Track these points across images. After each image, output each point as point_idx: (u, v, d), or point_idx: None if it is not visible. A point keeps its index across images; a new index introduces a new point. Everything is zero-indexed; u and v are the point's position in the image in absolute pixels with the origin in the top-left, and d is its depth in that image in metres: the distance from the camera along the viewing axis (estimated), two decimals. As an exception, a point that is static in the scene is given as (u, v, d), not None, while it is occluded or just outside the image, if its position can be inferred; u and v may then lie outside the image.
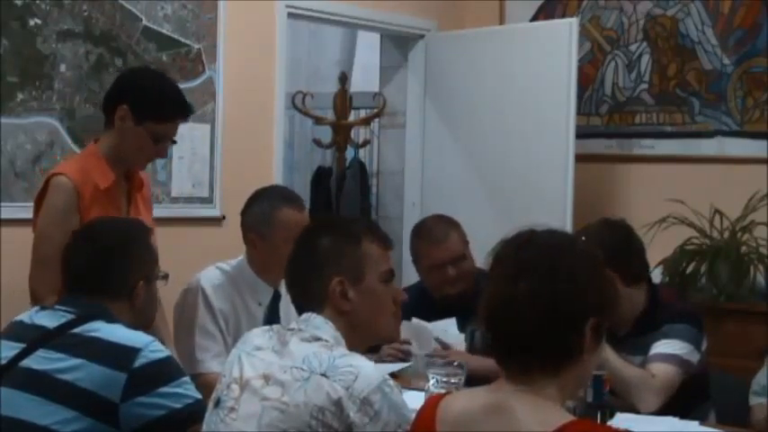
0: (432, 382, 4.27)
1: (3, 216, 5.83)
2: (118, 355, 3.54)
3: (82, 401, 3.51)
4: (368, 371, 3.15)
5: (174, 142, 5.10)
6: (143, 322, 3.88)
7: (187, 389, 3.62)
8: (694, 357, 4.89)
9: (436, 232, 5.67)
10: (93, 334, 3.58)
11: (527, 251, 2.86)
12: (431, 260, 5.65)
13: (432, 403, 2.97)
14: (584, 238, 4.48)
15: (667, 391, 4.74)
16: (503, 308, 2.82)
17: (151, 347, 3.59)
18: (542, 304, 2.74)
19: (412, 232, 5.87)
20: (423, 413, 2.98)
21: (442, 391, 3.93)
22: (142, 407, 3.54)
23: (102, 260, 3.86)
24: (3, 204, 5.86)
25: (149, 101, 4.90)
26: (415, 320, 5.45)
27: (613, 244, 4.78)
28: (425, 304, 5.53)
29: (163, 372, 3.60)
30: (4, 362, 3.66)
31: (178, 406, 3.57)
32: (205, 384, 3.96)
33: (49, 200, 4.79)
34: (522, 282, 2.78)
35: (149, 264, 3.96)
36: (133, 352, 3.55)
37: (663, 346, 4.86)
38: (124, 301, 3.83)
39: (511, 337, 2.82)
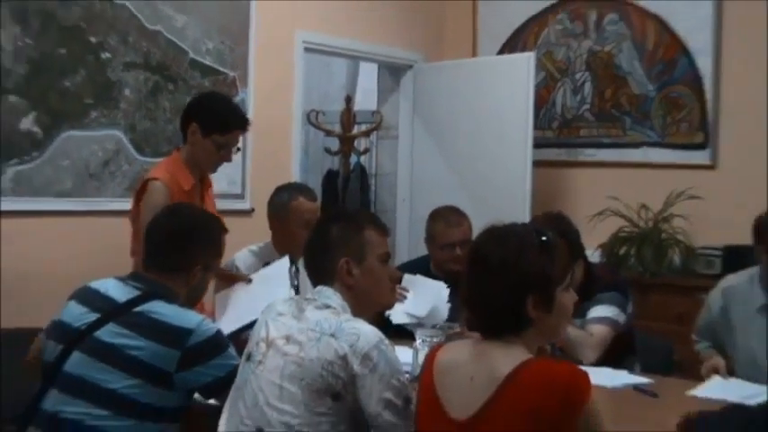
0: (419, 341, 4.31)
1: (81, 209, 5.83)
2: (173, 336, 3.55)
3: (143, 371, 3.52)
4: (368, 332, 3.18)
5: (238, 149, 5.15)
6: (191, 302, 3.87)
7: (229, 357, 3.63)
8: (621, 318, 4.99)
9: (453, 218, 5.70)
10: (153, 315, 3.58)
11: (477, 251, 3.02)
12: (445, 239, 5.65)
13: (433, 351, 3.09)
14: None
15: (602, 346, 4.84)
16: (467, 298, 3.00)
17: (202, 327, 3.60)
18: (485, 295, 2.92)
19: (430, 216, 5.84)
20: (428, 358, 3.10)
21: (427, 348, 3.97)
22: (193, 375, 3.57)
23: (175, 239, 3.87)
24: (80, 199, 5.85)
25: (212, 118, 4.97)
26: (414, 276, 5.50)
27: (556, 224, 4.87)
28: (424, 274, 5.57)
29: (210, 347, 3.61)
30: (80, 326, 3.66)
31: (221, 374, 3.59)
32: (236, 340, 3.96)
33: (148, 199, 4.83)
34: (473, 278, 2.97)
35: (212, 255, 3.96)
36: (186, 333, 3.56)
37: (597, 311, 4.95)
38: (182, 279, 3.83)
39: (481, 313, 2.96)
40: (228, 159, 5.13)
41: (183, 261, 3.83)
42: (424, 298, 5.33)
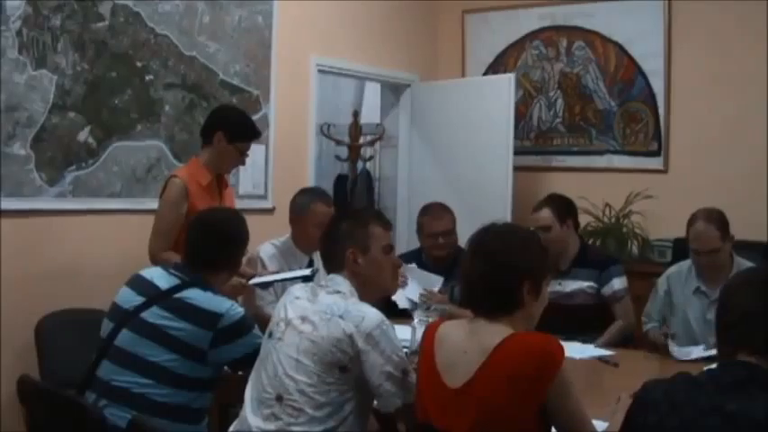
0: (416, 320, 4.34)
1: (129, 207, 5.86)
2: (206, 318, 3.61)
3: (181, 348, 3.58)
4: (371, 314, 3.22)
5: (247, 155, 5.20)
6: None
7: (254, 337, 3.69)
8: (626, 284, 5.47)
9: (436, 212, 5.81)
10: (189, 301, 3.63)
11: (480, 240, 3.05)
12: (429, 230, 5.82)
13: (432, 327, 3.12)
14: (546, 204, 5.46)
15: (633, 315, 5.42)
16: (467, 279, 3.03)
17: (231, 312, 3.66)
18: (487, 275, 2.94)
19: (420, 210, 6.03)
20: (427, 333, 3.12)
21: (423, 327, 3.99)
22: (223, 352, 3.63)
23: (216, 243, 3.90)
24: (128, 200, 5.88)
25: (237, 128, 5.07)
26: (413, 266, 5.56)
27: (560, 198, 5.66)
28: (418, 263, 5.72)
29: (238, 329, 3.66)
30: (129, 308, 3.70)
31: (248, 350, 3.64)
32: (261, 320, 3.98)
33: (167, 193, 4.94)
34: (475, 262, 2.99)
35: (244, 249, 4.10)
36: (217, 317, 3.61)
37: (618, 282, 5.43)
38: (226, 272, 3.88)
39: (474, 296, 2.99)
40: (243, 163, 5.25)
41: (229, 261, 3.92)
42: (421, 287, 5.40)
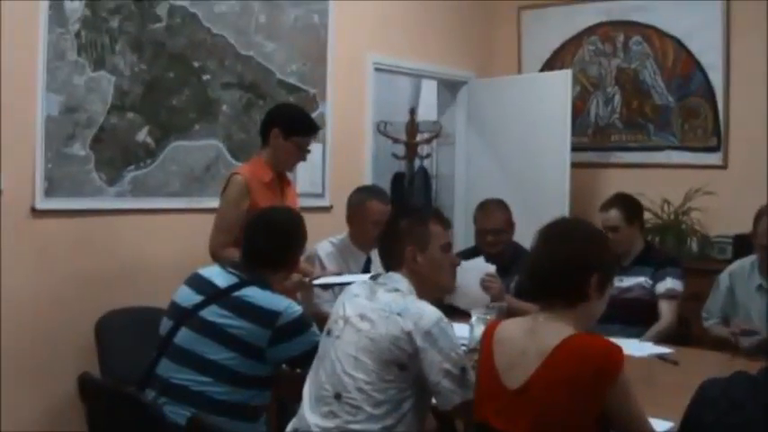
0: (474, 318, 4.32)
1: (187, 206, 5.93)
2: (265, 317, 3.63)
3: (240, 346, 3.60)
4: (430, 312, 3.21)
5: (309, 151, 5.21)
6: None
7: (312, 335, 3.70)
8: (682, 289, 5.38)
9: (488, 208, 5.79)
10: (248, 299, 3.65)
11: (554, 229, 3.06)
12: (479, 225, 5.81)
13: (491, 327, 3.11)
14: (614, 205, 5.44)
15: (675, 320, 5.33)
16: (537, 264, 3.02)
17: (289, 310, 3.67)
18: (559, 262, 2.93)
19: (477, 205, 5.96)
20: (486, 333, 3.11)
21: (482, 324, 4.00)
22: (282, 350, 3.64)
23: (278, 241, 3.93)
24: (187, 198, 5.94)
25: (292, 124, 5.07)
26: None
27: (628, 198, 5.58)
28: (474, 256, 5.60)
29: (296, 327, 3.68)
30: (188, 306, 3.72)
31: (306, 348, 3.65)
32: (318, 318, 3.99)
33: (228, 190, 4.97)
34: (548, 248, 3.00)
35: (303, 248, 4.10)
36: (276, 315, 3.63)
37: (669, 283, 5.35)
38: (284, 271, 3.89)
39: (542, 283, 2.99)
40: (304, 159, 5.23)
41: (287, 261, 3.93)
42: (474, 282, 5.32)
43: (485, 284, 5.27)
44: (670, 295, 5.29)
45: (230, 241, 4.79)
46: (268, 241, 3.90)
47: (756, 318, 4.95)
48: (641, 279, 5.35)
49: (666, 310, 5.27)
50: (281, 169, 5.18)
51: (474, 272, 5.29)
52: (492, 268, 5.39)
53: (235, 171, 5.10)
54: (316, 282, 4.71)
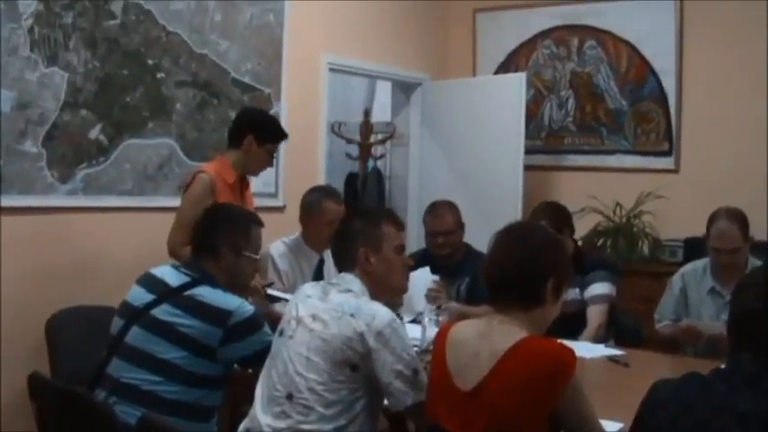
0: (426, 319, 4.33)
1: (140, 205, 5.87)
2: (217, 316, 3.61)
3: (191, 345, 3.58)
4: (382, 313, 3.22)
5: (274, 157, 5.32)
6: (235, 288, 3.87)
7: (264, 334, 3.69)
8: (614, 292, 5.27)
9: (437, 210, 5.73)
10: (200, 298, 3.63)
11: (512, 233, 3.05)
12: (428, 227, 5.75)
13: (445, 329, 3.10)
14: (542, 216, 5.19)
15: (604, 322, 5.21)
16: (494, 267, 3.00)
17: (240, 309, 3.65)
18: (516, 266, 2.93)
19: (427, 207, 5.90)
20: (440, 335, 3.10)
21: (435, 325, 4.02)
22: (233, 349, 3.63)
23: (204, 224, 3.95)
24: (139, 197, 5.89)
25: (267, 132, 5.15)
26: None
27: (555, 209, 5.36)
28: (426, 261, 5.57)
29: (248, 326, 3.66)
30: (139, 305, 3.70)
31: (258, 347, 3.63)
32: (272, 318, 3.98)
33: (193, 188, 4.99)
34: (506, 252, 2.98)
35: (239, 241, 3.92)
36: (227, 314, 3.61)
37: (597, 288, 5.23)
38: (214, 261, 3.85)
39: (498, 286, 2.98)
40: (272, 165, 5.32)
41: (209, 242, 3.87)
42: (416, 293, 5.28)
43: (432, 296, 5.26)
44: (596, 300, 5.22)
45: (189, 240, 4.77)
46: (200, 229, 3.93)
47: (707, 319, 5.00)
48: (572, 294, 5.24)
49: (593, 314, 5.19)
50: (249, 173, 5.26)
51: (419, 282, 5.28)
52: (436, 278, 5.39)
53: (200, 170, 5.09)
54: (269, 291, 4.71)
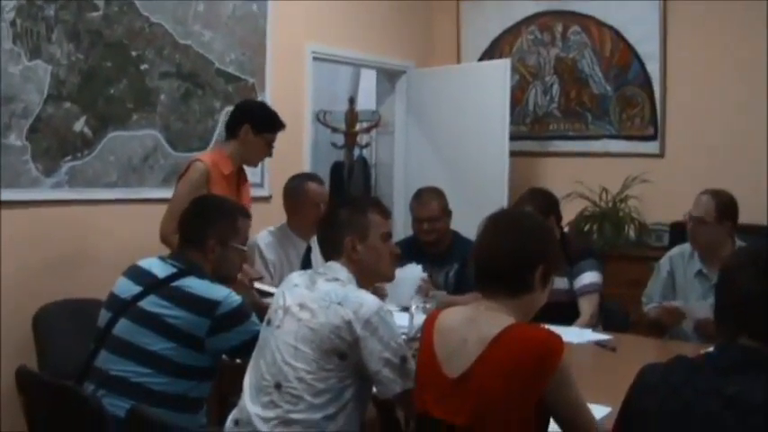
0: (413, 307, 4.33)
1: (125, 197, 5.85)
2: (204, 307, 3.61)
3: (179, 336, 3.58)
4: (369, 301, 3.22)
5: (274, 147, 5.30)
6: (222, 279, 3.87)
7: (251, 324, 3.68)
8: (601, 280, 5.29)
9: (423, 197, 5.75)
10: (187, 289, 3.63)
11: (501, 220, 3.06)
12: (414, 214, 5.77)
13: (433, 316, 3.08)
14: (527, 202, 5.22)
15: (596, 311, 5.26)
16: (483, 253, 2.99)
17: (228, 299, 3.65)
18: (505, 253, 2.93)
19: (413, 195, 5.92)
20: (428, 322, 3.08)
21: (422, 313, 4.03)
22: (221, 340, 3.62)
23: (192, 215, 3.95)
24: (124, 189, 5.86)
25: (263, 120, 5.16)
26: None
27: (542, 195, 5.37)
28: (414, 249, 5.61)
29: (236, 316, 3.66)
30: (127, 297, 3.70)
31: (245, 338, 3.63)
32: (259, 308, 3.98)
33: (188, 175, 4.97)
34: (495, 238, 2.98)
35: (226, 232, 3.93)
36: (214, 304, 3.61)
37: (587, 277, 5.26)
38: (202, 252, 3.84)
39: (487, 272, 2.97)
40: (270, 154, 5.31)
41: (197, 233, 3.87)
42: (406, 289, 5.27)
43: (423, 292, 5.26)
44: (588, 290, 5.25)
45: None
46: (187, 219, 3.94)
47: (694, 302, 5.02)
48: (561, 284, 5.21)
49: (585, 305, 5.22)
50: (247, 164, 5.26)
51: (408, 278, 5.28)
52: (424, 275, 5.39)
53: (196, 158, 5.10)
54: (256, 285, 4.69)
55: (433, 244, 5.66)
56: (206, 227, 3.88)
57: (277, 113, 5.32)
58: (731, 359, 2.37)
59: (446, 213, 5.72)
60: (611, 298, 5.57)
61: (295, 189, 5.42)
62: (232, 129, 5.16)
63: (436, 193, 5.76)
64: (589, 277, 5.26)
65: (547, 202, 5.30)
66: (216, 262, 3.88)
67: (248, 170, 5.36)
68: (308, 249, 5.37)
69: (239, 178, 5.22)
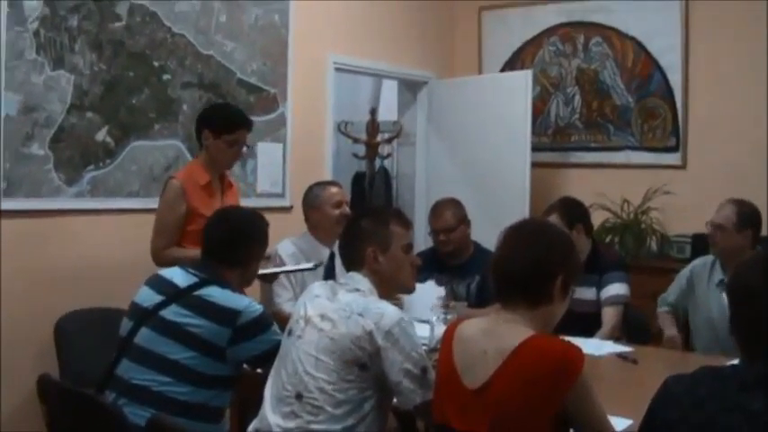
0: (434, 318, 4.33)
1: (147, 207, 5.84)
2: (225, 316, 3.61)
3: (201, 346, 3.57)
4: (391, 311, 3.21)
5: (248, 147, 5.27)
6: (246, 284, 3.97)
7: (273, 333, 3.68)
8: (629, 293, 5.29)
9: (437, 209, 5.76)
10: (209, 298, 3.63)
11: (521, 230, 3.05)
12: (431, 226, 5.76)
13: (452, 327, 3.09)
14: (555, 210, 5.29)
15: (620, 322, 5.26)
16: (503, 264, 2.98)
17: (249, 309, 3.65)
18: (525, 263, 2.92)
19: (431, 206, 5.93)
20: (447, 333, 3.08)
21: (443, 324, 4.02)
22: (242, 349, 3.62)
23: (232, 238, 3.90)
24: (146, 199, 5.88)
25: (218, 122, 5.06)
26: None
27: (569, 204, 5.42)
28: (435, 260, 5.65)
29: (257, 326, 3.65)
30: (149, 307, 3.71)
31: (266, 348, 3.63)
32: (278, 317, 4.00)
33: (165, 195, 5.01)
34: (514, 249, 2.97)
35: (259, 251, 4.00)
36: (236, 313, 3.61)
37: (613, 289, 5.25)
38: (239, 270, 3.86)
39: (506, 283, 2.96)
40: (239, 156, 5.23)
41: (244, 258, 3.89)
42: (423, 304, 5.26)
43: (441, 307, 5.24)
44: (613, 301, 5.24)
45: (170, 244, 4.89)
46: (226, 239, 3.89)
47: (717, 314, 5.00)
48: (589, 294, 5.26)
49: (609, 315, 5.21)
50: (220, 169, 5.17)
51: (425, 295, 5.26)
52: (442, 293, 5.38)
53: (171, 176, 5.12)
54: (261, 271, 4.66)
55: (452, 255, 5.66)
56: (240, 250, 3.90)
57: (239, 112, 5.24)
58: (757, 375, 2.35)
59: (463, 223, 5.70)
60: (633, 309, 5.54)
61: (315, 195, 5.45)
62: (197, 137, 5.15)
63: (452, 204, 5.76)
64: (615, 288, 5.26)
65: (573, 212, 5.30)
66: (241, 273, 3.91)
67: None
68: (332, 256, 5.37)
69: (223, 184, 5.19)
